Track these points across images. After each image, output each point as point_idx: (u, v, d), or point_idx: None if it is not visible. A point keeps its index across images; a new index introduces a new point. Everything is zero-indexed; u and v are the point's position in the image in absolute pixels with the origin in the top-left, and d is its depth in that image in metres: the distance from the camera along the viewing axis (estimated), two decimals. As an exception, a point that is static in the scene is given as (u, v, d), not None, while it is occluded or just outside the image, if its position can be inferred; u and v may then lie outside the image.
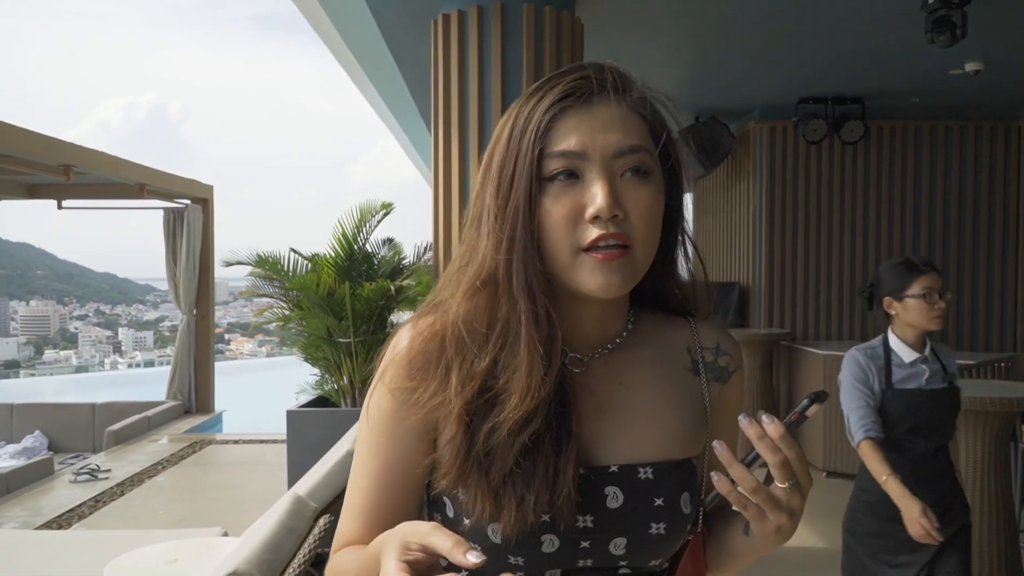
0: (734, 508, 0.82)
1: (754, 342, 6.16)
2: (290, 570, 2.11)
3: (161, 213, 8.63)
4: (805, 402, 0.77)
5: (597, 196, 0.82)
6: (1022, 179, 6.66)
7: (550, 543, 0.86)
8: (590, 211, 0.83)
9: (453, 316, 0.90)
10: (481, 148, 3.84)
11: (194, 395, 8.71)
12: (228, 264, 4.52)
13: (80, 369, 37.00)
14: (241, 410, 9.65)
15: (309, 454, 3.89)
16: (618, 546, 0.88)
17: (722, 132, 6.76)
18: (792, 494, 0.79)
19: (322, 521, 2.47)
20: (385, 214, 4.51)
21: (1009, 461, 3.20)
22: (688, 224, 0.96)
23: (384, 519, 0.92)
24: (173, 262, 8.58)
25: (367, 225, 4.44)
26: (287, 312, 4.48)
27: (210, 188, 8.94)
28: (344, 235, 4.43)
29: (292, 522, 2.38)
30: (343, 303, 4.04)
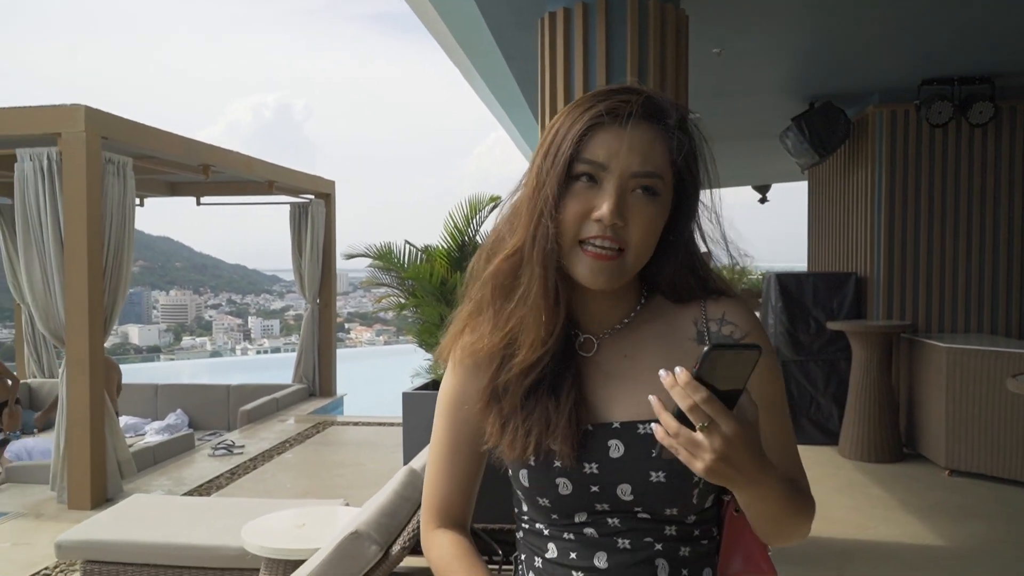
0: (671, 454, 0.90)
1: (872, 334, 5.99)
2: (404, 534, 2.30)
3: (288, 208, 9.14)
4: (706, 348, 0.83)
5: (605, 203, 0.98)
6: None
7: (564, 486, 1.04)
8: (596, 213, 0.99)
9: (493, 272, 1.08)
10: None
11: (317, 379, 9.19)
12: (349, 256, 4.80)
13: (214, 354, 39.20)
14: (360, 394, 10.12)
15: (423, 433, 4.11)
16: (625, 492, 1.02)
17: (838, 118, 6.58)
18: (711, 434, 0.84)
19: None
20: (493, 207, 4.68)
21: None
22: (703, 225, 1.10)
23: (453, 484, 1.17)
24: (298, 254, 9.07)
25: (476, 217, 4.63)
26: (403, 301, 4.71)
27: (332, 183, 9.39)
28: (455, 227, 4.63)
29: (406, 492, 2.57)
30: (455, 291, 4.22)
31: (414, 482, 2.72)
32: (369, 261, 5.25)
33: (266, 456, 6.48)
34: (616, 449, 1.03)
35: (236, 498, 4.93)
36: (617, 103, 1.01)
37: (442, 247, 4.60)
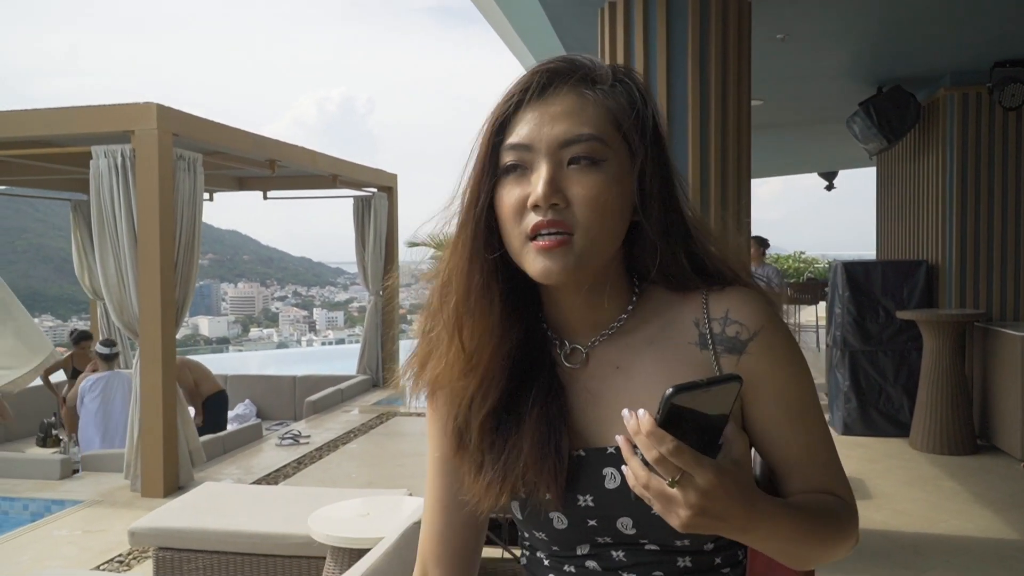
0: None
1: (944, 323, 5.81)
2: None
3: (351, 201, 9.28)
4: (667, 392, 0.70)
5: (537, 185, 0.85)
6: None
7: (559, 520, 0.92)
8: (530, 200, 0.85)
9: (436, 286, 0.96)
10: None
11: (381, 370, 9.34)
12: (412, 245, 4.85)
13: (280, 346, 40.10)
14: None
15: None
16: (626, 525, 0.90)
17: (907, 102, 6.38)
18: (684, 488, 0.73)
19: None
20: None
21: None
22: (682, 198, 0.94)
23: (445, 531, 1.03)
24: (362, 247, 9.21)
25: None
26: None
27: (394, 177, 9.51)
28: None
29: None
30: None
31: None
32: (431, 252, 5.29)
33: (331, 446, 6.61)
34: (612, 479, 0.89)
35: (303, 487, 5.05)
36: (532, 76, 0.89)
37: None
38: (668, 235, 0.92)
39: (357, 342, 9.84)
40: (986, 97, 6.12)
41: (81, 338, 7.90)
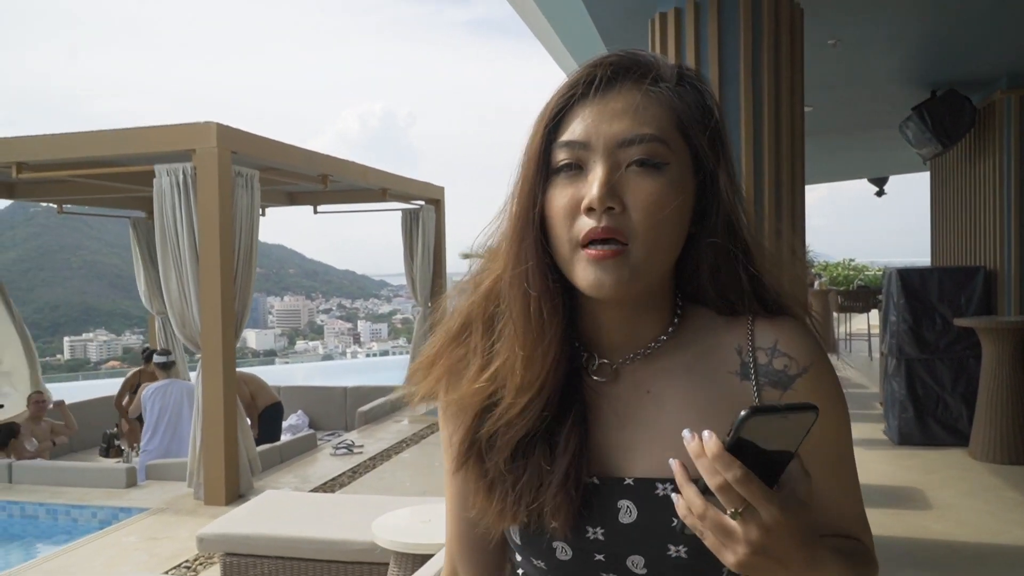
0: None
1: (1003, 330, 5.70)
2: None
3: (399, 214, 9.42)
4: (743, 413, 0.65)
5: (592, 186, 0.78)
6: None
7: (563, 551, 0.85)
8: (585, 201, 0.79)
9: (477, 299, 0.90)
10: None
11: (431, 381, 9.41)
12: (465, 256, 4.91)
13: (326, 358, 40.62)
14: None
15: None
16: (636, 564, 0.83)
17: (962, 105, 6.30)
18: (746, 523, 0.67)
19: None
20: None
21: None
22: (742, 214, 0.87)
23: (463, 544, 0.98)
24: (410, 259, 9.33)
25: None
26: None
27: (441, 189, 9.63)
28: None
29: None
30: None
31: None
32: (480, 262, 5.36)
33: (384, 455, 6.71)
34: (628, 513, 0.82)
35: (362, 495, 5.13)
36: (590, 70, 0.83)
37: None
38: (728, 252, 0.85)
39: (401, 353, 9.97)
40: (1045, 99, 6.02)
41: (152, 356, 8.11)
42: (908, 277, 6.44)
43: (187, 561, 4.34)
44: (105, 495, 5.70)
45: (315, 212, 9.28)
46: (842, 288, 12.14)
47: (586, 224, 0.79)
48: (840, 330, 12.17)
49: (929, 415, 6.35)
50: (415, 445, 7.13)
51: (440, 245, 9.48)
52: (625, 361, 0.88)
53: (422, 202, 9.38)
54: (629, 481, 0.83)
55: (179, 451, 6.46)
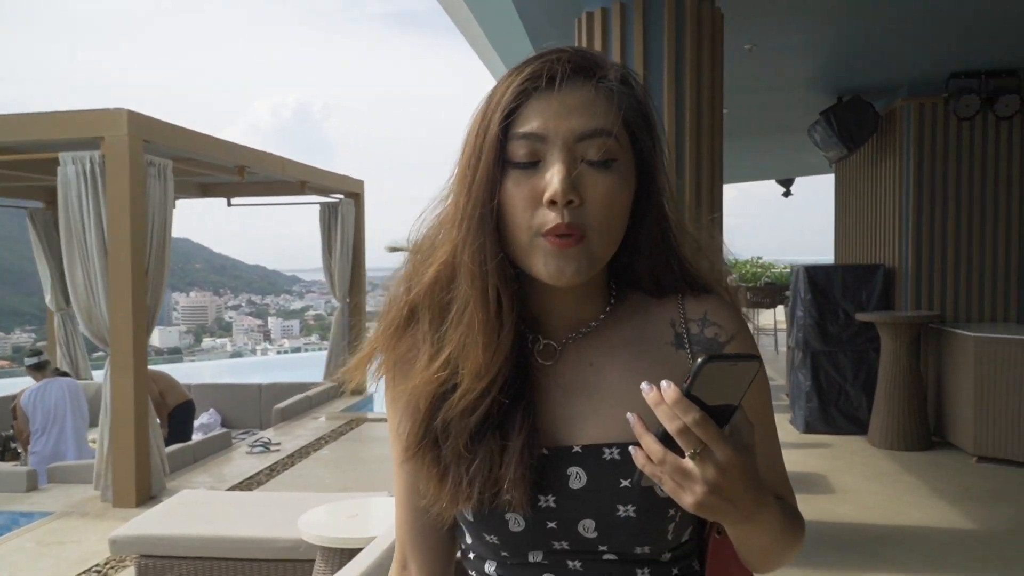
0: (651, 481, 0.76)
1: (900, 325, 6.03)
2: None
3: (316, 208, 9.26)
4: (700, 360, 0.71)
5: (553, 180, 0.81)
6: None
7: (515, 522, 0.87)
8: (546, 195, 0.81)
9: (422, 289, 0.91)
10: (624, 138, 3.99)
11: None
12: (392, 250, 4.87)
13: (235, 355, 39.55)
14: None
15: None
16: (588, 528, 0.86)
17: (867, 111, 6.61)
18: (703, 463, 0.72)
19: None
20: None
21: None
22: (673, 203, 0.94)
23: (415, 532, 0.99)
24: (328, 253, 9.19)
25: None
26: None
27: (361, 183, 9.52)
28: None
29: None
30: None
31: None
32: (399, 257, 5.34)
33: (303, 453, 6.59)
34: (577, 478, 0.86)
35: (284, 492, 5.04)
36: (544, 65, 0.85)
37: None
38: (662, 240, 0.92)
39: (315, 350, 9.80)
40: (941, 107, 6.37)
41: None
42: (814, 274, 6.73)
43: (98, 565, 4.18)
44: (4, 499, 5.42)
45: (229, 204, 9.04)
46: (750, 285, 12.55)
47: (546, 215, 0.82)
48: (750, 324, 12.54)
49: (832, 405, 6.65)
50: (334, 441, 7.04)
51: (360, 239, 9.37)
52: (568, 340, 0.92)
53: (341, 196, 9.25)
54: (577, 448, 0.87)
55: (66, 452, 6.25)
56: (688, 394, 0.71)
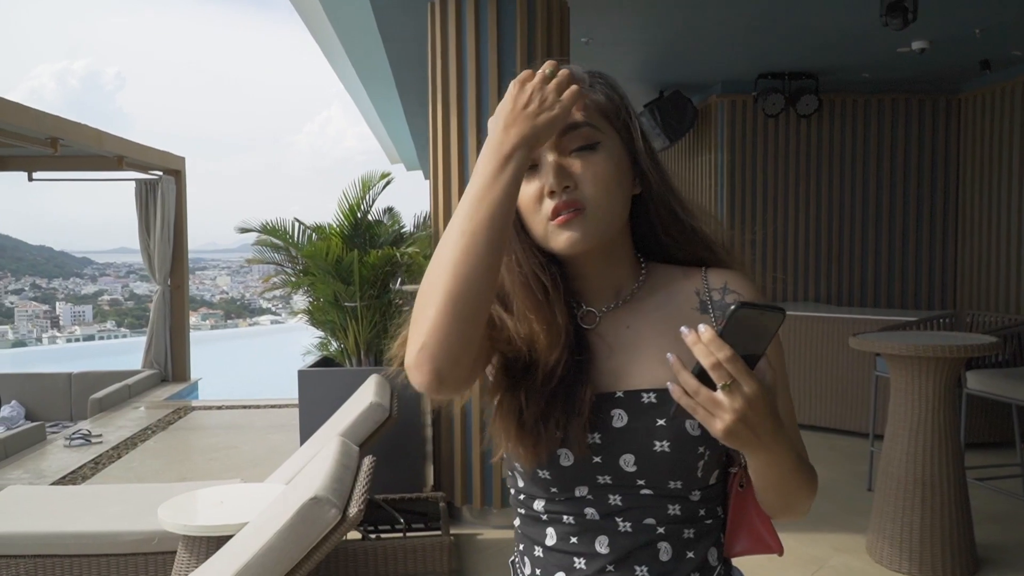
0: (689, 414, 0.89)
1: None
2: (355, 499, 2.42)
3: (131, 185, 8.68)
4: (733, 307, 0.83)
5: (549, 174, 0.98)
6: (962, 148, 7.19)
7: (566, 457, 1.01)
8: (546, 188, 0.99)
9: (509, 276, 1.06)
10: (478, 125, 4.09)
11: (170, 364, 8.83)
12: (243, 231, 4.71)
13: (17, 344, 36.02)
14: (212, 378, 9.82)
15: (323, 409, 4.17)
16: (628, 463, 0.99)
17: (685, 105, 7.12)
18: (732, 394, 0.84)
19: (367, 461, 2.78)
20: (386, 184, 4.75)
21: (957, 404, 3.62)
22: (670, 178, 1.09)
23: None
24: (146, 233, 8.64)
25: (368, 196, 4.69)
26: (293, 279, 4.69)
27: (182, 160, 9.00)
28: (351, 206, 4.66)
29: (346, 460, 2.68)
30: (350, 269, 4.29)
31: (349, 451, 2.83)
32: (240, 239, 5.19)
33: (129, 444, 6.23)
34: (619, 419, 1.01)
35: (121, 484, 4.77)
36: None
37: (335, 225, 4.62)
38: (669, 212, 1.08)
39: (111, 338, 9.21)
40: (751, 104, 6.99)
41: None
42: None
43: (-93, 574, 3.79)
44: None
45: (30, 180, 8.28)
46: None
47: (550, 204, 0.99)
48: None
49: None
50: (162, 431, 6.69)
51: (181, 219, 8.87)
52: (607, 309, 1.08)
53: (160, 173, 8.72)
54: (620, 394, 1.02)
55: None
56: (721, 335, 0.83)
